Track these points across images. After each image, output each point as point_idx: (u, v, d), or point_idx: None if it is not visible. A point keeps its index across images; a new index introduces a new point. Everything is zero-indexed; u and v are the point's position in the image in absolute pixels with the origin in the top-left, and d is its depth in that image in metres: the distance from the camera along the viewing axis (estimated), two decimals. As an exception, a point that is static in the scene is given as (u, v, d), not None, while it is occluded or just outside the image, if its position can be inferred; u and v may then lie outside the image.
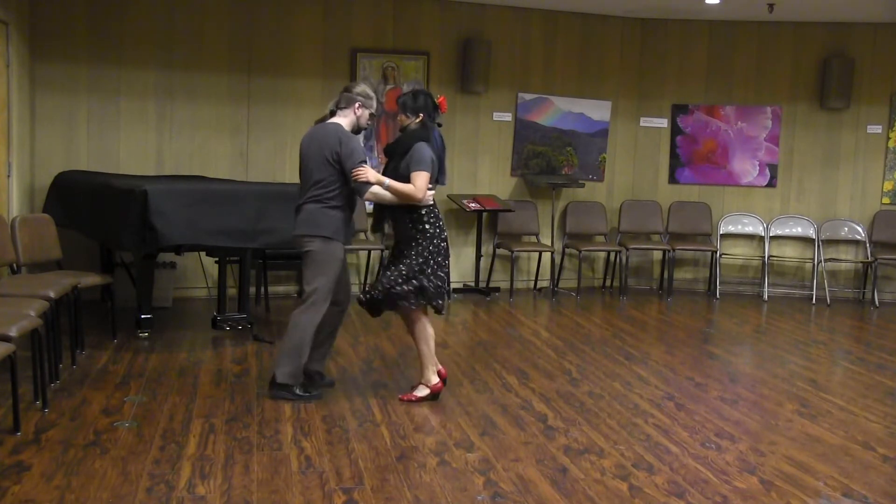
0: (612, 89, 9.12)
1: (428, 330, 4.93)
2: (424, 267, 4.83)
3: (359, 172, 4.75)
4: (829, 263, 9.04)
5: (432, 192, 4.89)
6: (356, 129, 5.00)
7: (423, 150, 4.81)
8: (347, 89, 4.99)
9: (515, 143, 8.83)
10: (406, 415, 4.69)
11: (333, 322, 5.06)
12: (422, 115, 4.89)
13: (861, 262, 9.04)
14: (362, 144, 5.11)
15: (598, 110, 9.05)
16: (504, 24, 8.67)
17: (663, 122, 9.24)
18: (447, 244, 4.97)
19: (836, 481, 3.96)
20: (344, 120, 4.93)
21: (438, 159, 4.89)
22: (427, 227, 4.86)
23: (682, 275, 9.30)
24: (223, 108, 7.84)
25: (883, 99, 8.98)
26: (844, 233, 9.08)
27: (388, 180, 4.80)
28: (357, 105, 4.93)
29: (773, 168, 9.16)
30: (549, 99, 8.88)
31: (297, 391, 4.88)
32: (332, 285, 4.87)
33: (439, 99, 4.97)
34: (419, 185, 4.74)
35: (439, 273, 4.88)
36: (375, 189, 4.78)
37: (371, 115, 5.03)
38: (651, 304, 8.51)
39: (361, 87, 5.02)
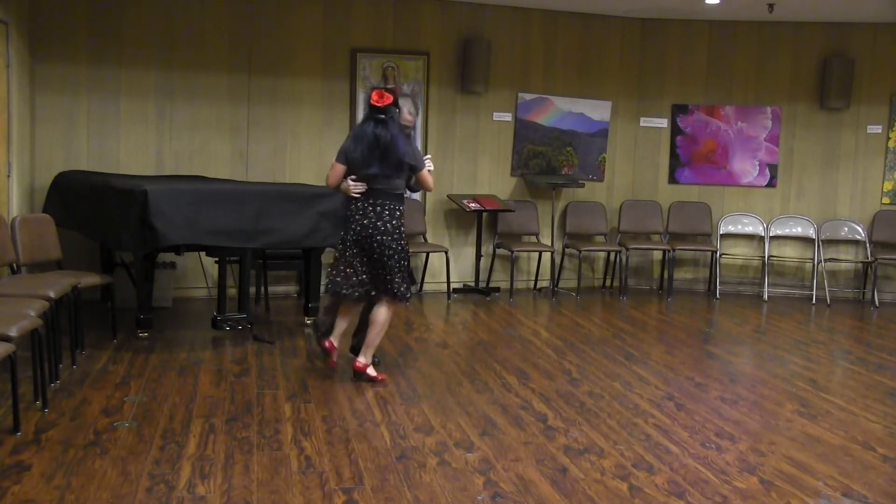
0: (612, 89, 9.12)
1: (374, 317, 5.28)
2: (337, 259, 5.30)
3: None
4: (829, 263, 9.04)
5: (356, 184, 5.17)
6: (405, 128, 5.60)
7: (344, 141, 5.32)
8: None
9: (515, 143, 8.83)
10: (406, 415, 4.69)
11: None
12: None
13: (861, 262, 9.04)
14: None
15: (598, 110, 9.05)
16: (504, 24, 8.67)
17: (663, 122, 9.24)
18: (359, 237, 5.17)
19: (836, 481, 3.96)
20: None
21: (362, 153, 5.14)
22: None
23: (682, 275, 9.31)
24: (223, 108, 7.84)
25: (883, 99, 8.98)
26: (844, 233, 9.08)
27: None
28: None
29: (773, 168, 9.16)
30: (549, 99, 8.88)
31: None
32: None
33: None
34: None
35: (340, 267, 5.23)
36: None
37: (409, 112, 5.57)
38: (651, 304, 8.51)
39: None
